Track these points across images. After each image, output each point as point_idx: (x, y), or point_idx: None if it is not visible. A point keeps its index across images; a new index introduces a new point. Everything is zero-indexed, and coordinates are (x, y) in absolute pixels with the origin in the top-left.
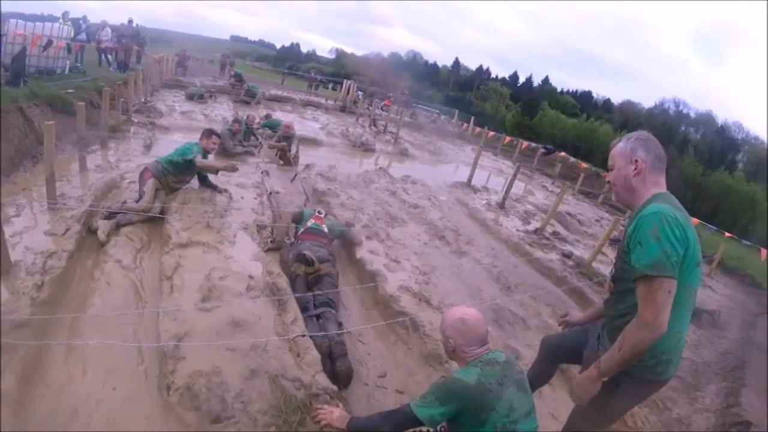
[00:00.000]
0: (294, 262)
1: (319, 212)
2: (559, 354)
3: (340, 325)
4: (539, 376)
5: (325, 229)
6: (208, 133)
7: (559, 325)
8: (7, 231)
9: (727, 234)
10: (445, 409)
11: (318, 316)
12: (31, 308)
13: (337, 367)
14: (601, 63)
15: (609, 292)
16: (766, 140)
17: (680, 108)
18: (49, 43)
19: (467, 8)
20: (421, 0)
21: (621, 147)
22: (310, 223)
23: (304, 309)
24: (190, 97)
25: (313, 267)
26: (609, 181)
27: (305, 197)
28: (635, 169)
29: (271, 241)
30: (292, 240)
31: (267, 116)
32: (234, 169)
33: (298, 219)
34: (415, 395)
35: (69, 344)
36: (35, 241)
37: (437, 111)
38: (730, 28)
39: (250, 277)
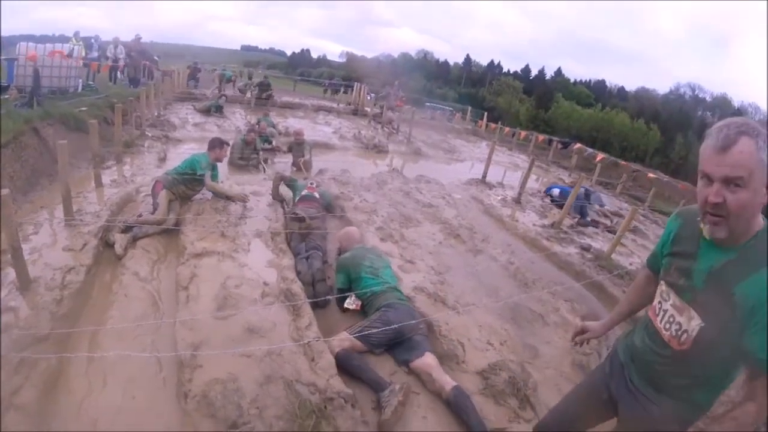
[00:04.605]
0: (290, 222)
1: (311, 183)
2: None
3: (324, 262)
4: None
5: (317, 195)
6: (219, 143)
7: (577, 344)
8: (26, 248)
9: None
10: (343, 275)
11: (307, 258)
12: (50, 323)
13: (316, 289)
14: (611, 50)
15: (677, 348)
16: None
17: (696, 92)
18: (70, 54)
19: (470, 6)
20: (424, 1)
21: (758, 154)
22: (305, 192)
23: (297, 254)
24: (206, 111)
25: (305, 223)
26: (716, 204)
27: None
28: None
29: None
30: (291, 207)
31: (265, 114)
32: (245, 200)
33: (289, 182)
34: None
35: (88, 357)
36: (54, 257)
37: (450, 108)
38: (739, 8)
39: (265, 283)
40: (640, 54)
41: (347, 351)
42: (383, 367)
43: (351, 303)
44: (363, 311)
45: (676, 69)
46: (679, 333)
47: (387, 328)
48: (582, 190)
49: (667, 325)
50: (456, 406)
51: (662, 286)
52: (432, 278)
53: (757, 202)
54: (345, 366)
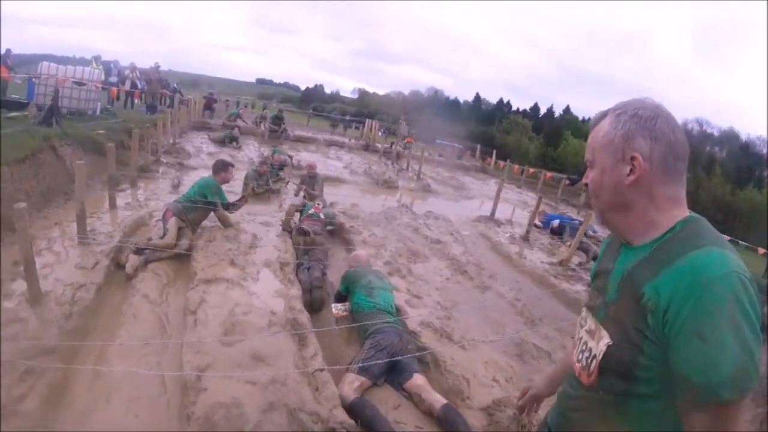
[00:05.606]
0: (296, 236)
1: (318, 203)
2: None
3: (324, 274)
4: None
5: (322, 216)
6: (223, 165)
7: (521, 411)
8: (39, 263)
9: (761, 251)
10: (344, 284)
11: (308, 268)
12: (59, 336)
13: (313, 295)
14: (618, 85)
15: (587, 383)
16: None
17: (703, 127)
18: (81, 84)
19: (476, 42)
20: (430, 36)
21: (606, 129)
22: (311, 211)
23: (300, 264)
24: (221, 142)
25: (309, 237)
26: (585, 185)
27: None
28: (631, 172)
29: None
30: (298, 223)
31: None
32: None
33: (300, 209)
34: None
35: (95, 373)
36: (65, 273)
37: (460, 146)
38: (737, 33)
39: (272, 312)
40: (647, 89)
41: (361, 399)
42: (387, 398)
43: (338, 309)
44: (352, 321)
45: (684, 102)
46: (589, 361)
47: (390, 359)
48: (576, 222)
49: (580, 356)
50: (446, 422)
51: (582, 313)
52: (438, 314)
53: (608, 181)
54: (359, 415)
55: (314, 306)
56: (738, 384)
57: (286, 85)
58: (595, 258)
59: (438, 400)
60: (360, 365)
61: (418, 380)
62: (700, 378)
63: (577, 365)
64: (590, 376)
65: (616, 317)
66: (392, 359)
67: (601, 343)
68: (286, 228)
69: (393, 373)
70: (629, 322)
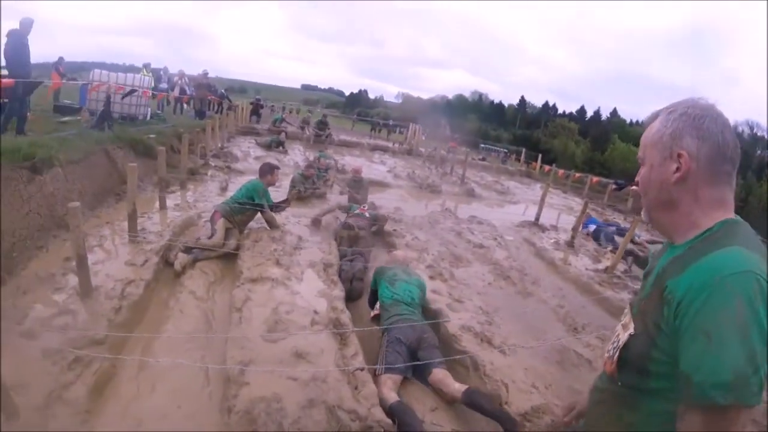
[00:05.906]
0: (341, 230)
1: (364, 206)
2: None
3: (365, 267)
4: None
5: (367, 215)
6: (269, 168)
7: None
8: (90, 259)
9: None
10: (374, 279)
11: (351, 260)
12: (107, 329)
13: (353, 285)
14: (665, 87)
15: (609, 372)
16: None
17: (754, 130)
18: (132, 91)
19: (519, 46)
20: (474, 39)
21: (657, 129)
22: (356, 211)
23: (344, 256)
24: (267, 146)
25: (354, 231)
26: (637, 183)
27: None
28: (677, 170)
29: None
30: (343, 220)
31: (321, 150)
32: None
33: (345, 209)
34: None
35: (141, 364)
36: (115, 269)
37: (505, 150)
38: None
39: (315, 312)
40: (697, 90)
41: (400, 403)
42: (424, 399)
43: (373, 311)
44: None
45: (735, 104)
46: (614, 351)
47: (411, 352)
48: (612, 229)
49: (610, 347)
50: (471, 404)
51: (626, 309)
52: (480, 318)
53: (655, 179)
54: (398, 419)
55: (352, 295)
56: (734, 390)
57: (330, 90)
58: (642, 265)
59: (458, 388)
60: (385, 366)
61: (438, 375)
62: (697, 376)
63: (606, 355)
64: (612, 365)
65: (644, 311)
66: (414, 354)
67: (626, 333)
68: (316, 222)
69: (416, 370)
70: (651, 316)
